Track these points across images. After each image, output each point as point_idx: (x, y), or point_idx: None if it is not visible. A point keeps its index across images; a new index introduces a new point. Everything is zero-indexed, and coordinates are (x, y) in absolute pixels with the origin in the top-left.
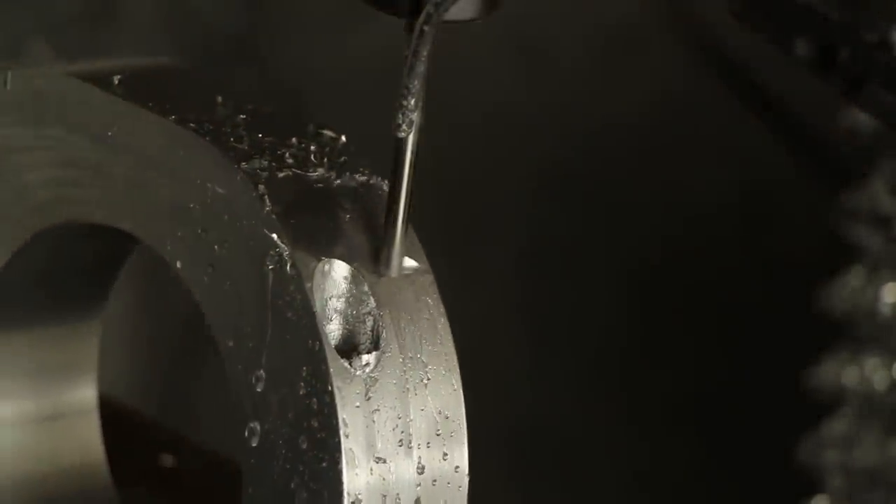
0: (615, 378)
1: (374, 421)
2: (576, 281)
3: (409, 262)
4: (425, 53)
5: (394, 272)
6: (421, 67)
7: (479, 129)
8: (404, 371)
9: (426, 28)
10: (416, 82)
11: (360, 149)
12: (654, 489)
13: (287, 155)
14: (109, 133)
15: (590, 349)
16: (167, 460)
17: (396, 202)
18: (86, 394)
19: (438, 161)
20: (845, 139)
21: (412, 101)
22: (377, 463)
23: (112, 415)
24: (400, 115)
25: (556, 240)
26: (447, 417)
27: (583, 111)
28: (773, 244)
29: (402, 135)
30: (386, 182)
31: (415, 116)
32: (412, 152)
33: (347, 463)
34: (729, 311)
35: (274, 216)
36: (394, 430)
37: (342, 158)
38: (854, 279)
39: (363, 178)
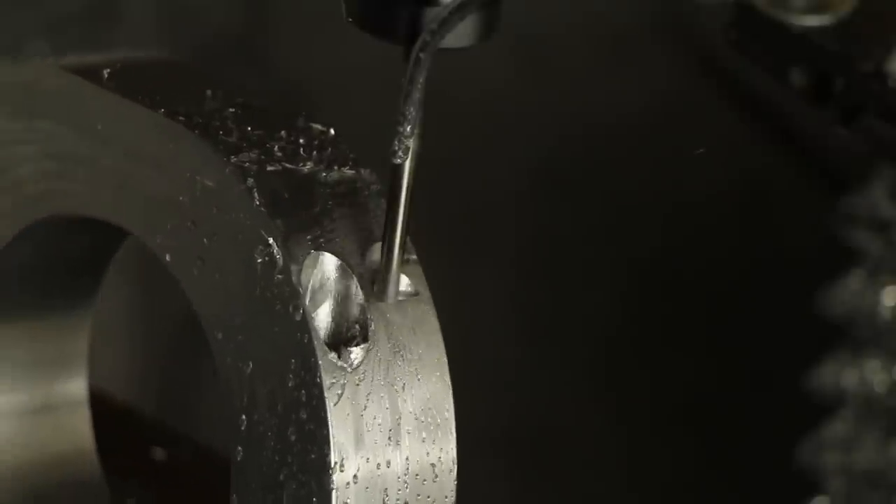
0: (614, 378)
1: (362, 413)
2: (575, 281)
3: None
4: (422, 80)
5: (390, 298)
6: (417, 94)
7: (478, 128)
8: (393, 364)
9: (422, 55)
10: (412, 109)
11: (351, 143)
12: (653, 490)
13: (276, 148)
14: (99, 126)
15: (589, 349)
16: (160, 453)
17: (393, 228)
18: (76, 386)
19: (436, 160)
20: (845, 144)
21: (408, 128)
22: (365, 455)
23: (105, 408)
24: (396, 142)
25: (555, 239)
26: (435, 411)
27: (583, 111)
28: (774, 246)
29: (399, 161)
30: (374, 175)
31: (411, 143)
32: (409, 178)
33: (336, 455)
34: (729, 313)
35: (263, 209)
36: (382, 422)
37: (331, 152)
38: (854, 282)
39: (351, 172)
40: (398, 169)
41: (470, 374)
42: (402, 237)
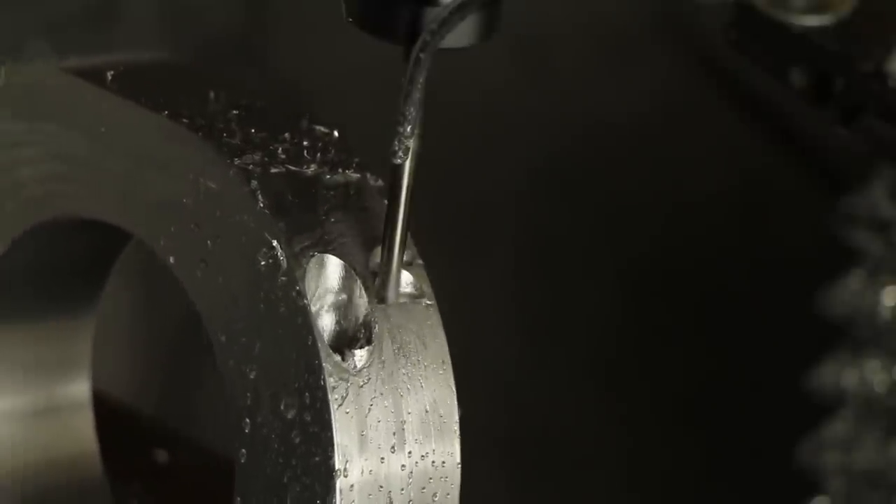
0: (614, 378)
1: (366, 416)
2: (575, 281)
3: (406, 276)
4: (422, 80)
5: (390, 299)
6: (417, 94)
7: (478, 128)
8: (397, 366)
9: (423, 55)
10: (412, 109)
11: (353, 144)
12: (653, 490)
13: (280, 150)
14: (102, 128)
15: (589, 349)
16: (161, 456)
17: (393, 228)
18: (80, 388)
19: (436, 160)
20: (845, 144)
21: (409, 128)
22: (369, 457)
23: (108, 410)
24: (396, 142)
25: (555, 239)
26: (440, 413)
27: (582, 111)
28: (774, 246)
29: (399, 161)
30: (378, 179)
31: (411, 143)
32: (409, 178)
33: (340, 457)
34: (729, 313)
35: (266, 212)
36: (386, 424)
37: (335, 154)
38: (854, 282)
39: (356, 174)
40: (398, 169)
41: (470, 374)
42: (402, 237)
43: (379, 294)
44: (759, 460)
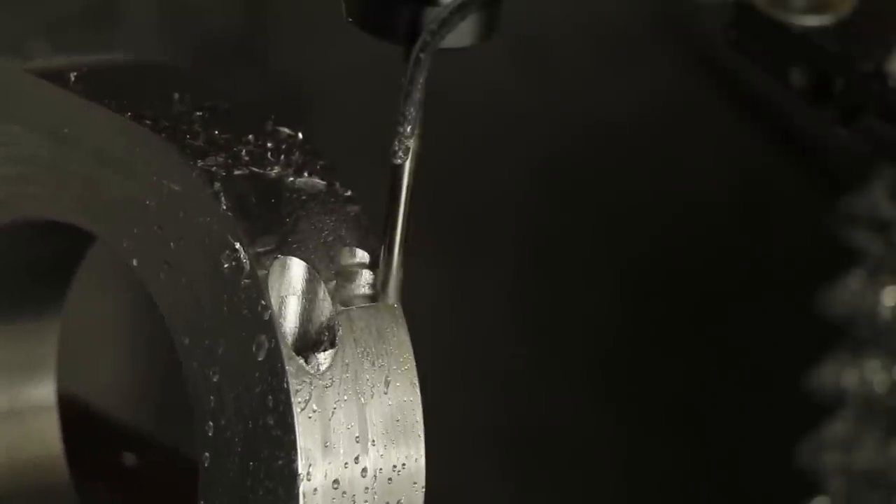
0: (613, 379)
1: (330, 419)
2: (574, 281)
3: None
4: (422, 80)
5: (391, 299)
6: (417, 94)
7: (477, 128)
8: (361, 369)
9: (423, 56)
10: (412, 109)
11: (315, 147)
12: (652, 490)
13: (243, 152)
14: (65, 130)
15: (588, 349)
16: (128, 458)
17: (393, 228)
18: (45, 390)
19: (436, 160)
20: (845, 144)
21: (408, 129)
22: (333, 461)
23: (73, 412)
24: (396, 142)
25: (555, 240)
26: (404, 415)
27: (582, 111)
28: (774, 246)
29: (399, 161)
30: (341, 179)
31: (411, 143)
32: (409, 178)
33: (303, 461)
34: (729, 313)
35: (230, 213)
36: (350, 428)
37: (299, 156)
38: (854, 282)
39: (319, 177)
40: (398, 169)
41: (470, 374)
42: (402, 237)
43: (380, 295)
44: (759, 460)
